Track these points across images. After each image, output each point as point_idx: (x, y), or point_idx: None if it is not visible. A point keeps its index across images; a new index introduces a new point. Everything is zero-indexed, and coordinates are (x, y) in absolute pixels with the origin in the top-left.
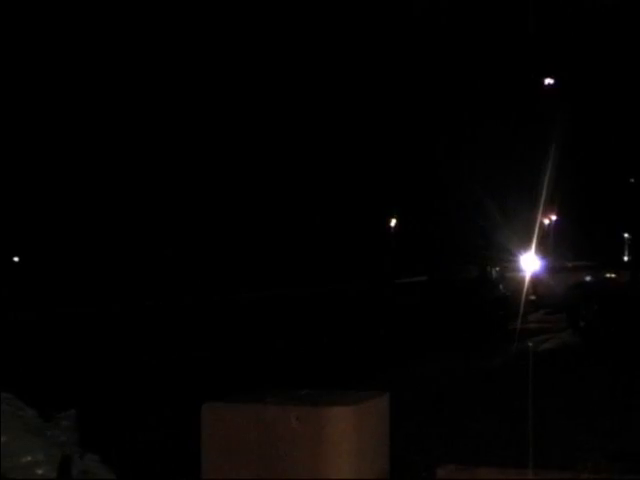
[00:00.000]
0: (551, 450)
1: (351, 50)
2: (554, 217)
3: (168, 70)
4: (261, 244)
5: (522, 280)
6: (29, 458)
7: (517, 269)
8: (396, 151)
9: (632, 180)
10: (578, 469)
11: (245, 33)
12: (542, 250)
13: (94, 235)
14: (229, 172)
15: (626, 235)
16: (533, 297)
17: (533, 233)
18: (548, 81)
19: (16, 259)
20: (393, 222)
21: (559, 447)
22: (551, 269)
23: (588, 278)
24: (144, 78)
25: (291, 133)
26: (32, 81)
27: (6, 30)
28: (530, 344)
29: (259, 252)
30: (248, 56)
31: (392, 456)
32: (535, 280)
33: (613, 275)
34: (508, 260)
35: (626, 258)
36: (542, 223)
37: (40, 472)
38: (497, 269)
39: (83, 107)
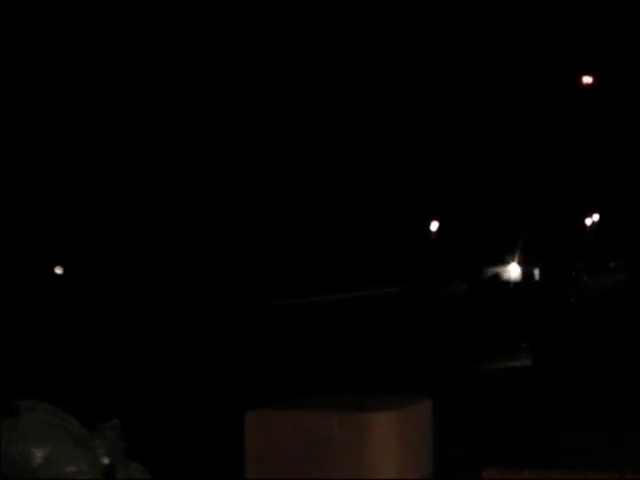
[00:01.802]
0: None
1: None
2: (596, 217)
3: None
4: (304, 248)
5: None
6: (73, 468)
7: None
8: (442, 151)
9: None
10: (624, 469)
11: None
12: (584, 250)
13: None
14: (260, 175)
15: None
16: (573, 299)
17: (577, 234)
18: (586, 80)
19: (59, 271)
20: (434, 225)
21: None
22: (591, 269)
23: (627, 277)
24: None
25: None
26: (56, 92)
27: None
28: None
29: (301, 255)
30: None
31: (437, 460)
32: (574, 281)
33: None
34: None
35: None
36: (585, 224)
37: None
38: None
39: (104, 117)
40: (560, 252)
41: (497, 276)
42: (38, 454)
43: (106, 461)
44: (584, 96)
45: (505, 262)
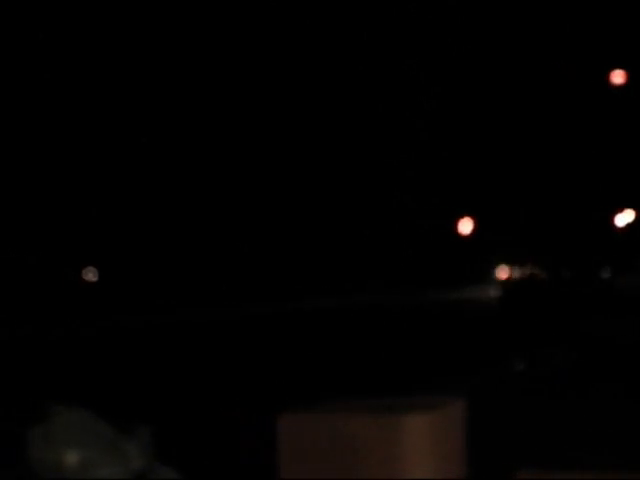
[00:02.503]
0: None
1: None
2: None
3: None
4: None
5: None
6: (105, 472)
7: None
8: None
9: None
10: None
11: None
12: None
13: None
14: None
15: None
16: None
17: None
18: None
19: (91, 276)
20: (467, 226)
21: None
22: (621, 269)
23: None
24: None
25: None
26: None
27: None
28: None
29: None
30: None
31: (472, 461)
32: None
33: None
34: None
35: None
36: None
37: None
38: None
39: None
40: (586, 252)
41: (534, 276)
42: (70, 459)
43: (138, 465)
44: (612, 94)
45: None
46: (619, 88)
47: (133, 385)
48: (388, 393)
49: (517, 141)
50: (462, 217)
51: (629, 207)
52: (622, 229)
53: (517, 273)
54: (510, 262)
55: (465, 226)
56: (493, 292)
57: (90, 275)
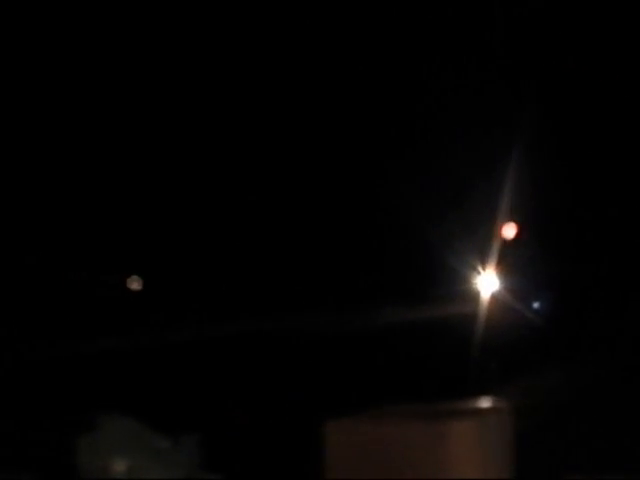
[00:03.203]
0: None
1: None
2: None
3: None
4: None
5: None
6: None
7: None
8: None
9: None
10: None
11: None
12: None
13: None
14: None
15: None
16: None
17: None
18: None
19: (135, 285)
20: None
21: None
22: None
23: None
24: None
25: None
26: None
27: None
28: None
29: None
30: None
31: (519, 466)
32: None
33: None
34: None
35: None
36: None
37: None
38: None
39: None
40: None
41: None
42: (118, 468)
43: (184, 473)
44: None
45: None
46: None
47: (179, 393)
48: (434, 399)
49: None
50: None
51: None
52: None
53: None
54: None
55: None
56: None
57: (135, 284)
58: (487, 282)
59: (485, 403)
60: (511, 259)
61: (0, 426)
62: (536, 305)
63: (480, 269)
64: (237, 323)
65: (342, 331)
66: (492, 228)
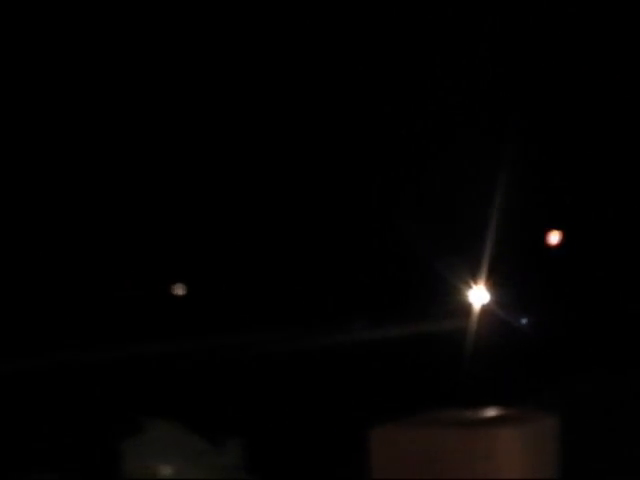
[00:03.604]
0: None
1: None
2: None
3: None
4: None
5: None
6: None
7: None
8: None
9: None
10: None
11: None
12: None
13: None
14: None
15: None
16: None
17: None
18: None
19: (180, 291)
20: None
21: None
22: None
23: None
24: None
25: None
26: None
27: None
28: None
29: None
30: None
31: (564, 473)
32: None
33: None
34: None
35: None
36: None
37: None
38: None
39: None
40: None
41: None
42: (162, 471)
43: (229, 477)
44: None
45: None
46: None
47: (224, 398)
48: (477, 405)
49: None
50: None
51: None
52: None
53: None
54: None
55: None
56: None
57: (179, 290)
58: (478, 295)
59: (530, 411)
60: (501, 274)
61: (48, 430)
62: (525, 319)
63: (471, 283)
64: (281, 329)
65: (383, 340)
66: (483, 243)
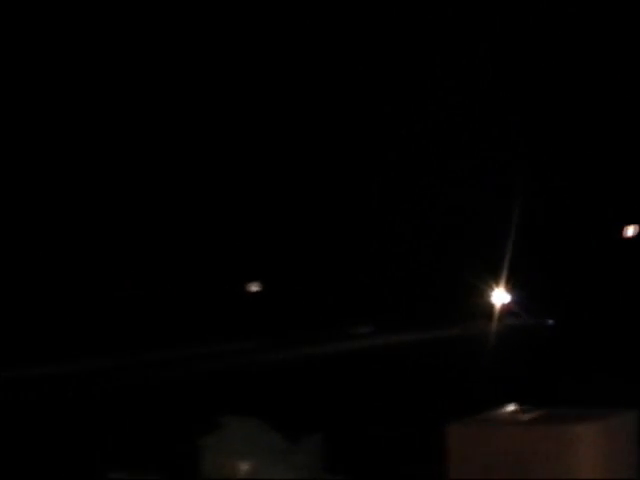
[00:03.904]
0: None
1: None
2: None
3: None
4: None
5: None
6: None
7: None
8: None
9: None
10: None
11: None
12: None
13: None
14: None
15: None
16: None
17: None
18: None
19: (255, 288)
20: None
21: None
22: None
23: None
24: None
25: None
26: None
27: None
28: None
29: None
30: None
31: None
32: None
33: None
34: None
35: None
36: None
37: None
38: None
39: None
40: None
41: None
42: (242, 467)
43: (308, 473)
44: None
45: None
46: None
47: (302, 394)
48: (551, 403)
49: None
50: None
51: None
52: None
53: None
54: None
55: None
56: None
57: (254, 287)
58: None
59: (608, 409)
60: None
61: (127, 428)
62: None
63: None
64: (353, 326)
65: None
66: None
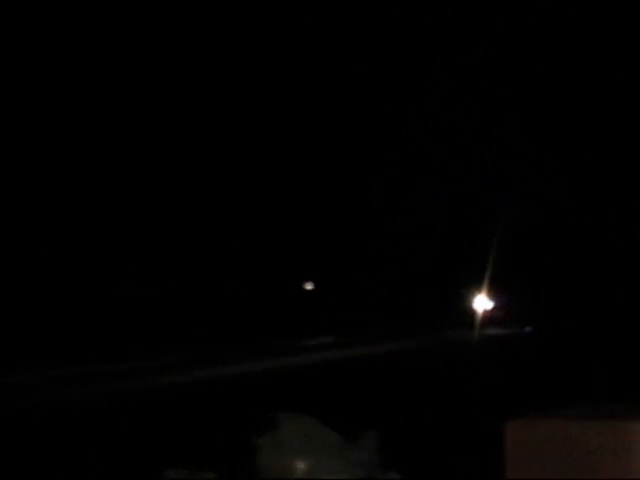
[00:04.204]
0: None
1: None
2: None
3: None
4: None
5: None
6: (332, 478)
7: None
8: None
9: None
10: None
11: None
12: None
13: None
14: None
15: None
16: None
17: None
18: None
19: (309, 286)
20: None
21: None
22: None
23: None
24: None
25: None
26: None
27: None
28: None
29: None
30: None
31: None
32: None
33: None
34: None
35: None
36: None
37: None
38: None
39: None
40: None
41: None
42: (298, 466)
43: (364, 471)
44: None
45: None
46: None
47: (357, 392)
48: (609, 399)
49: None
50: None
51: None
52: None
53: None
54: None
55: None
56: None
57: (309, 286)
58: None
59: None
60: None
61: (184, 426)
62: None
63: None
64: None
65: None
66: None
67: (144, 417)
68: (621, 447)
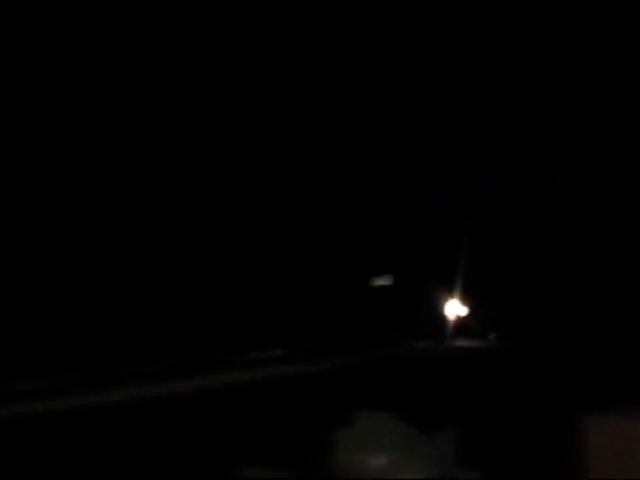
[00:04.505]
0: None
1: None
2: None
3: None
4: None
5: None
6: (409, 476)
7: None
8: None
9: None
10: None
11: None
12: None
13: None
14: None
15: None
16: None
17: None
18: None
19: (385, 282)
20: None
21: None
22: None
23: None
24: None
25: None
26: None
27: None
28: None
29: None
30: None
31: None
32: None
33: None
34: None
35: None
36: None
37: None
38: None
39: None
40: None
41: None
42: (375, 462)
43: (441, 469)
44: None
45: None
46: None
47: (432, 387)
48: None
49: None
50: None
51: None
52: None
53: None
54: None
55: None
56: None
57: (383, 282)
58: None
59: None
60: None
61: (257, 425)
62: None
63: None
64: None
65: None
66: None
67: (219, 415)
68: None
